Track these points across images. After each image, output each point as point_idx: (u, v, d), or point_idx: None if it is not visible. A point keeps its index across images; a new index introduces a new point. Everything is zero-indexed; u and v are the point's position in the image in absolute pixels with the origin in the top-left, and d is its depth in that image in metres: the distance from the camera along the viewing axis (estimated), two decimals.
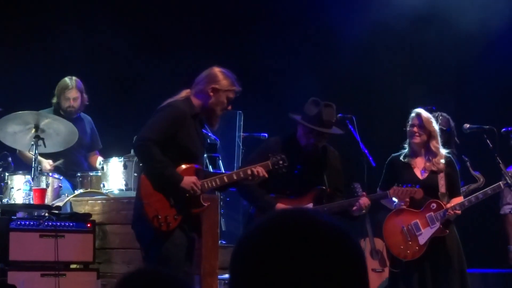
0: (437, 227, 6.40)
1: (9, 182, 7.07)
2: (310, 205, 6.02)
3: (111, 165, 7.42)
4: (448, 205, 6.42)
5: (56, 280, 6.35)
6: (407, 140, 6.62)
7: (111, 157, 7.54)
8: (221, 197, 7.37)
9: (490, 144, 6.70)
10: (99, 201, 7.14)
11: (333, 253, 1.52)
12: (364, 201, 6.01)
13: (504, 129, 7.40)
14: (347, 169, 7.31)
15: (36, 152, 6.86)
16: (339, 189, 6.16)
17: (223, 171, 7.62)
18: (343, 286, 1.51)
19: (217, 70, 5.62)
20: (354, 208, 6.01)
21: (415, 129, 6.52)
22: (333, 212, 5.98)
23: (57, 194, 7.30)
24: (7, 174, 7.10)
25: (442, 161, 6.52)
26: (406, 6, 9.52)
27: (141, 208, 5.41)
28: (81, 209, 7.06)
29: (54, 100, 7.86)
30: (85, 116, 8.08)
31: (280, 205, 5.90)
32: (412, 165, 6.57)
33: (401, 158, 6.60)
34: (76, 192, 7.39)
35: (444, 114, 7.27)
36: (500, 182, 6.60)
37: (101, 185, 7.38)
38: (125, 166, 7.34)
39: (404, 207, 6.45)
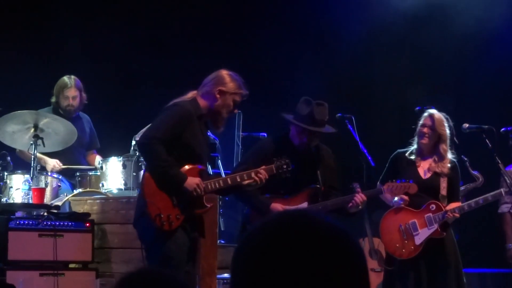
0: (435, 228, 6.39)
1: (8, 181, 7.07)
2: (305, 204, 6.02)
3: (110, 164, 7.42)
4: (448, 208, 6.41)
5: (55, 280, 6.35)
6: (415, 138, 6.59)
7: (110, 156, 7.54)
8: (220, 196, 7.37)
9: (489, 144, 6.69)
10: (98, 201, 7.14)
11: (333, 254, 1.52)
12: (360, 197, 5.99)
13: (503, 129, 7.41)
14: (346, 169, 7.32)
15: (35, 151, 6.86)
16: (334, 187, 6.15)
17: (222, 171, 7.62)
18: (344, 286, 1.51)
19: (224, 72, 5.63)
20: (350, 204, 5.99)
21: (425, 129, 6.50)
22: (328, 210, 5.98)
23: (56, 194, 7.30)
24: (6, 173, 7.09)
25: (449, 165, 6.50)
26: (405, 6, 9.53)
27: (144, 206, 5.41)
28: (80, 208, 7.06)
29: (53, 99, 7.86)
30: (84, 115, 8.08)
31: (275, 205, 5.90)
32: (417, 164, 6.56)
33: (407, 154, 6.58)
34: (75, 192, 7.39)
35: (443, 114, 7.25)
36: (502, 189, 6.59)
37: (100, 185, 7.38)
38: (124, 166, 7.34)
39: (403, 205, 6.45)
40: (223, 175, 7.07)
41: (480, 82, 9.40)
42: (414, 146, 6.60)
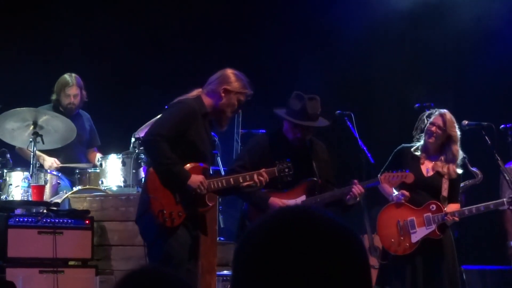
0: (433, 229, 6.37)
1: (7, 178, 7.07)
2: (303, 197, 6.01)
3: (109, 162, 7.42)
4: (448, 209, 6.39)
5: (54, 277, 6.35)
6: (421, 135, 6.56)
7: (110, 154, 7.54)
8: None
9: (488, 140, 6.69)
10: (98, 198, 7.14)
11: (335, 250, 1.52)
12: (357, 188, 5.97)
13: (502, 126, 7.40)
14: (346, 166, 7.32)
15: (35, 149, 6.86)
16: (329, 181, 6.14)
17: (222, 168, 7.62)
18: (346, 282, 1.51)
19: (230, 71, 5.63)
20: (348, 197, 5.97)
21: (434, 128, 6.45)
22: (326, 203, 5.97)
23: (56, 191, 7.30)
24: (5, 170, 7.09)
25: (459, 171, 6.48)
26: (405, 4, 9.52)
27: (147, 202, 5.41)
28: (80, 206, 7.06)
29: (54, 97, 7.86)
30: (84, 113, 8.09)
31: (273, 199, 5.90)
32: (421, 161, 6.52)
33: (412, 150, 6.56)
34: (75, 189, 7.39)
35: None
36: (504, 199, 6.55)
37: (100, 182, 7.38)
38: (123, 163, 7.33)
39: (403, 201, 6.43)
40: (222, 172, 7.08)
41: (479, 79, 9.40)
42: (421, 143, 6.56)
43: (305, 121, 5.95)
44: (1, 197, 6.98)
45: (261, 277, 1.51)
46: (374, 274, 7.84)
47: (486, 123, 6.85)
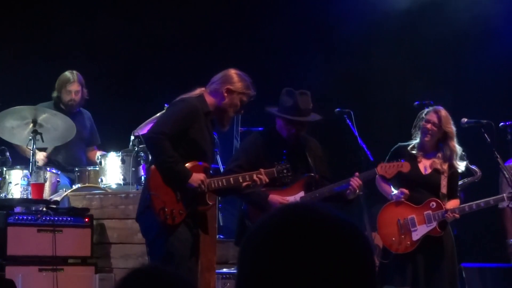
0: (433, 226, 6.36)
1: (7, 176, 7.07)
2: (302, 193, 6.01)
3: (109, 159, 7.42)
4: (448, 207, 6.38)
5: (53, 275, 6.35)
6: (418, 133, 6.54)
7: (109, 151, 7.54)
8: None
9: (488, 138, 6.68)
10: (97, 196, 7.15)
11: (341, 246, 1.52)
12: (355, 181, 5.96)
13: (502, 124, 7.41)
14: (345, 164, 7.31)
15: (34, 147, 6.86)
16: (325, 177, 6.14)
17: (221, 166, 7.63)
18: (352, 278, 1.51)
19: (233, 71, 5.64)
20: (348, 191, 5.97)
21: (429, 126, 6.43)
22: (326, 197, 5.97)
23: (55, 189, 7.30)
24: (5, 168, 7.10)
25: (463, 165, 6.47)
26: (404, 1, 9.52)
27: (148, 199, 5.41)
28: (79, 203, 7.07)
29: (55, 94, 7.86)
30: (85, 111, 8.09)
31: (273, 197, 5.90)
32: (418, 159, 6.51)
33: (409, 148, 6.54)
34: (74, 187, 7.39)
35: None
36: (504, 195, 6.55)
37: (99, 180, 7.38)
38: (123, 161, 7.34)
39: (403, 199, 6.42)
40: (222, 170, 7.08)
41: (479, 76, 9.39)
42: (417, 141, 6.55)
43: (298, 116, 5.96)
44: (1, 195, 6.99)
45: (266, 275, 1.51)
46: None
47: (485, 121, 6.84)
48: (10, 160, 7.21)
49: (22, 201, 6.76)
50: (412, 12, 9.59)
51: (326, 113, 6.36)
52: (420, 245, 6.33)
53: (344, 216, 1.57)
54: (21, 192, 6.79)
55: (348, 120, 6.69)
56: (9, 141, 7.22)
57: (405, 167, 6.17)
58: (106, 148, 7.93)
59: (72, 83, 7.80)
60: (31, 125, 6.95)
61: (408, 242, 6.35)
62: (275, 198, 5.89)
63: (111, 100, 9.35)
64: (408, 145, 6.56)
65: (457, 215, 6.37)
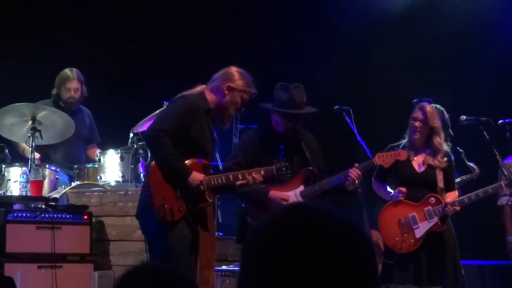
0: (435, 221, 6.36)
1: (6, 174, 7.07)
2: (301, 187, 6.01)
3: (108, 157, 7.42)
4: (447, 200, 6.39)
5: (52, 272, 6.36)
6: (407, 132, 6.56)
7: (108, 149, 7.54)
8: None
9: (487, 136, 6.68)
10: (96, 193, 7.15)
11: (344, 247, 1.53)
12: (354, 172, 5.96)
13: (500, 121, 7.40)
14: (344, 161, 7.31)
15: (33, 144, 6.85)
16: (322, 170, 6.14)
17: (220, 163, 7.63)
18: (354, 278, 1.51)
19: (234, 69, 5.63)
20: (347, 183, 5.97)
21: (417, 123, 6.44)
22: (326, 190, 5.97)
23: (54, 186, 7.30)
24: (4, 166, 7.10)
25: (446, 159, 6.47)
26: None
27: (148, 196, 5.41)
28: (78, 201, 7.07)
29: (54, 91, 7.86)
30: (85, 109, 8.09)
31: (273, 192, 5.90)
32: (411, 157, 6.52)
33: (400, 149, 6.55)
34: (73, 184, 7.39)
35: (438, 106, 7.24)
36: (502, 182, 6.56)
37: (98, 177, 7.38)
38: (122, 158, 7.33)
39: (402, 198, 6.43)
40: (221, 167, 7.08)
41: (478, 74, 9.40)
42: (406, 139, 6.56)
43: (294, 109, 5.95)
44: (0, 192, 6.99)
45: (268, 274, 1.51)
46: None
47: (484, 118, 6.84)
48: (9, 157, 7.21)
49: (21, 198, 6.77)
50: (412, 10, 9.60)
51: (325, 110, 6.36)
52: (423, 243, 6.33)
53: (345, 215, 1.58)
54: (20, 189, 6.79)
55: (347, 117, 6.68)
56: (8, 138, 7.22)
57: (402, 155, 6.20)
58: (105, 145, 7.92)
59: (71, 81, 7.80)
60: (30, 122, 6.95)
61: (412, 240, 6.35)
62: (276, 194, 5.89)
63: (110, 98, 9.35)
64: (399, 145, 6.57)
65: (457, 208, 6.37)
